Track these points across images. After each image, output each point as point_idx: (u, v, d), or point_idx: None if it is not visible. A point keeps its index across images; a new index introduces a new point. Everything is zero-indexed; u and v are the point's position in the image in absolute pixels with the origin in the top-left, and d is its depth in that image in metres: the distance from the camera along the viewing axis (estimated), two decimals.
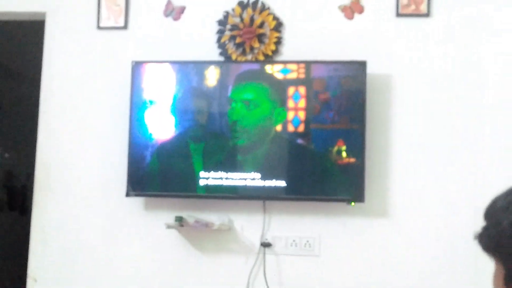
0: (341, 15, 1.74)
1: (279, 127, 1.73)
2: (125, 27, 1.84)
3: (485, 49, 1.69)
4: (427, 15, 1.70)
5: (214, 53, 1.81)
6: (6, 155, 3.14)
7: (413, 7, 1.70)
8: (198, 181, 1.73)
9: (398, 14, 1.71)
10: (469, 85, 1.69)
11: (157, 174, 1.77)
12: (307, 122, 1.72)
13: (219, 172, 1.72)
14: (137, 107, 1.75)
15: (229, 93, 1.75)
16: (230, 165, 1.74)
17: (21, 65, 3.03)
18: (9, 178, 3.21)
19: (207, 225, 1.71)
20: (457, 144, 1.68)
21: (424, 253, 1.68)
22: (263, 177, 1.70)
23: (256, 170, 1.71)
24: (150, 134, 1.75)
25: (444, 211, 1.68)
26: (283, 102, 1.73)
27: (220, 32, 1.80)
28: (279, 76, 1.74)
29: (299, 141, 1.75)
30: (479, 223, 0.62)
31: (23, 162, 3.03)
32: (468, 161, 1.66)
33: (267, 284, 1.70)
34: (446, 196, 1.68)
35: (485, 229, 0.65)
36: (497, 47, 1.68)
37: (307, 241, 1.73)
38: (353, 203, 1.67)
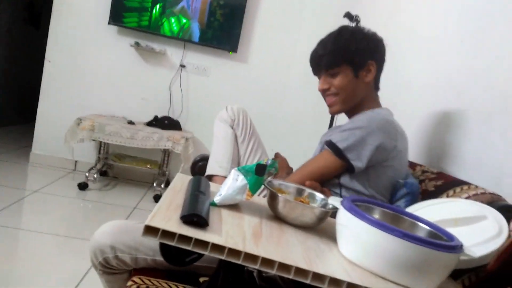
0: None
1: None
2: None
3: None
4: None
5: None
6: None
7: None
8: (154, 23, 3.14)
9: None
10: None
11: (126, 14, 3.12)
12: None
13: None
14: None
15: None
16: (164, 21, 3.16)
17: None
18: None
19: (152, 49, 3.17)
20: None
21: (263, 80, 3.33)
22: (184, 31, 3.16)
23: (180, 27, 3.16)
24: None
25: (275, 59, 3.31)
26: None
27: None
28: None
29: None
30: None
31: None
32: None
33: (181, 88, 3.26)
34: (275, 51, 3.30)
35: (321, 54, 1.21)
36: None
37: (204, 68, 3.28)
38: (231, 52, 3.22)
